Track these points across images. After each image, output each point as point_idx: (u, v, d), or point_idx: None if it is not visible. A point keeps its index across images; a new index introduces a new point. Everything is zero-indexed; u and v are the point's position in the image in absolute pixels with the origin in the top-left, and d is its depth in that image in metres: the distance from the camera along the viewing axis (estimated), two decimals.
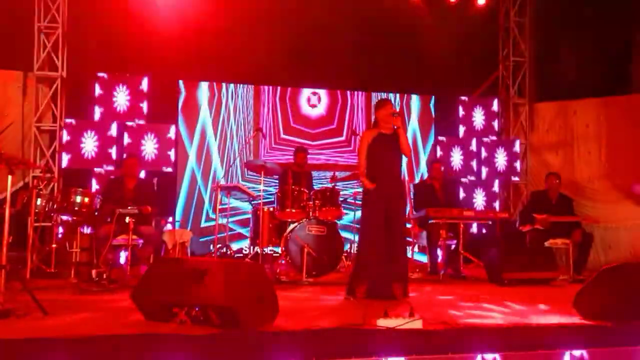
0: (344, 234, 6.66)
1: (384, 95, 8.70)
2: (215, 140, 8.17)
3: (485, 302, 4.82)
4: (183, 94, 8.10)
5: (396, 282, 4.82)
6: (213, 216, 7.41)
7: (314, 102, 8.57)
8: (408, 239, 6.32)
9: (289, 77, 8.26)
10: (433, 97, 8.91)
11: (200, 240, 7.74)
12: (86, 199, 5.73)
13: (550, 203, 6.79)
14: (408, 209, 6.75)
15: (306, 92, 8.54)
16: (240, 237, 7.95)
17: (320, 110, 8.57)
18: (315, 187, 6.95)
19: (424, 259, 7.35)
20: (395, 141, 4.91)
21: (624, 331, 3.40)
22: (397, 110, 5.04)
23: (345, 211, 6.75)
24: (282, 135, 8.40)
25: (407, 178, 8.64)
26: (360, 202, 5.38)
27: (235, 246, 7.72)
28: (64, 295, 4.80)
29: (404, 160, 5.11)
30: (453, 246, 6.77)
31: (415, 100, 8.86)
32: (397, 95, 8.79)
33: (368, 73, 8.33)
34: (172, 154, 7.61)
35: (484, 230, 8.27)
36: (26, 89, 7.30)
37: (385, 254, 4.81)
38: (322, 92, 8.60)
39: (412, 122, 8.82)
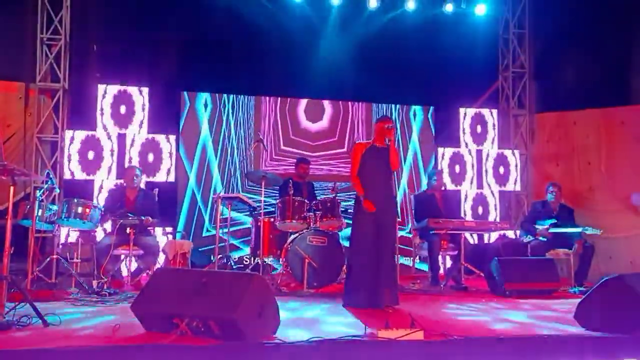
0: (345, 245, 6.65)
1: (384, 106, 8.77)
2: (216, 150, 8.19)
3: (486, 313, 4.81)
4: (184, 105, 8.13)
5: (386, 288, 4.87)
6: (214, 227, 7.41)
7: (314, 113, 8.59)
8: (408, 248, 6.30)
9: (289, 88, 8.29)
10: (433, 107, 8.93)
11: (201, 251, 7.73)
12: (87, 210, 5.73)
13: (551, 213, 6.80)
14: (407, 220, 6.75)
15: (307, 103, 8.57)
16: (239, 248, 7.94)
17: (320, 121, 8.59)
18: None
19: (425, 269, 7.32)
20: (387, 154, 5.00)
21: (625, 342, 3.39)
22: (391, 124, 5.13)
23: (346, 222, 6.75)
24: (283, 146, 8.42)
25: (407, 190, 8.66)
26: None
27: (235, 257, 7.71)
28: (65, 306, 4.79)
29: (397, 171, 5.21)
30: (454, 257, 6.76)
31: (415, 111, 8.88)
32: (397, 106, 8.83)
33: (368, 84, 8.35)
34: (172, 164, 7.63)
35: (485, 241, 8.27)
36: (28, 100, 7.32)
37: (376, 264, 4.88)
38: (323, 103, 8.63)
39: (412, 133, 8.84)
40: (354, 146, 5.32)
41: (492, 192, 8.69)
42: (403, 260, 7.82)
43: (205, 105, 8.20)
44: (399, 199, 8.52)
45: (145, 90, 7.60)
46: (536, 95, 8.88)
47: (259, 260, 6.51)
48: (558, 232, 6.58)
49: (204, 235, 7.96)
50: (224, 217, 6.87)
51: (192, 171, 8.08)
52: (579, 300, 4.10)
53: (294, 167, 7.31)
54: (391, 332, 3.35)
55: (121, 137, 7.49)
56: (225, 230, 7.00)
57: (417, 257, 7.22)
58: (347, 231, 7.13)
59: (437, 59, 8.21)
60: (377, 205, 5.00)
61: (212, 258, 7.16)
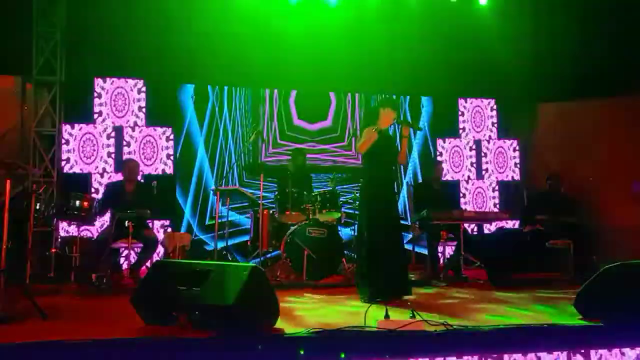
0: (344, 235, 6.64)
1: (382, 97, 8.70)
2: (215, 143, 8.15)
3: (486, 303, 4.81)
4: (182, 97, 8.08)
5: (399, 284, 4.81)
6: (212, 220, 7.38)
7: (313, 103, 8.54)
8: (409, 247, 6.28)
9: (288, 80, 8.24)
10: (433, 97, 8.87)
11: (200, 243, 7.71)
12: (85, 204, 5.71)
13: (551, 203, 6.78)
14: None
15: (305, 94, 8.52)
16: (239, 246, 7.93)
17: (319, 112, 8.54)
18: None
19: (424, 260, 7.32)
20: (392, 140, 4.91)
21: (626, 330, 3.38)
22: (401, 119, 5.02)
23: (345, 213, 6.74)
24: (281, 138, 8.38)
25: (411, 180, 8.64)
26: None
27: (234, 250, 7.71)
28: (64, 300, 4.79)
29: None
30: (454, 247, 6.75)
31: (415, 100, 8.83)
32: (396, 96, 8.76)
33: (367, 74, 8.30)
34: (171, 157, 7.60)
35: (484, 231, 8.26)
36: (25, 94, 7.29)
37: (386, 254, 4.80)
38: (322, 94, 8.58)
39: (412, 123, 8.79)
40: (367, 131, 5.02)
41: (491, 181, 8.67)
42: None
43: (203, 97, 8.15)
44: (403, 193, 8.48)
45: (142, 82, 7.57)
46: (537, 84, 8.78)
47: (258, 252, 6.50)
48: (558, 222, 6.56)
49: (202, 228, 7.94)
50: (222, 212, 6.85)
51: (190, 163, 8.04)
52: (578, 289, 4.09)
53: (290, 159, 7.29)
54: (391, 323, 3.35)
55: (118, 130, 7.46)
56: (225, 221, 6.98)
57: (417, 248, 7.22)
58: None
59: (436, 48, 8.16)
60: (383, 192, 4.93)
61: (211, 250, 7.14)
